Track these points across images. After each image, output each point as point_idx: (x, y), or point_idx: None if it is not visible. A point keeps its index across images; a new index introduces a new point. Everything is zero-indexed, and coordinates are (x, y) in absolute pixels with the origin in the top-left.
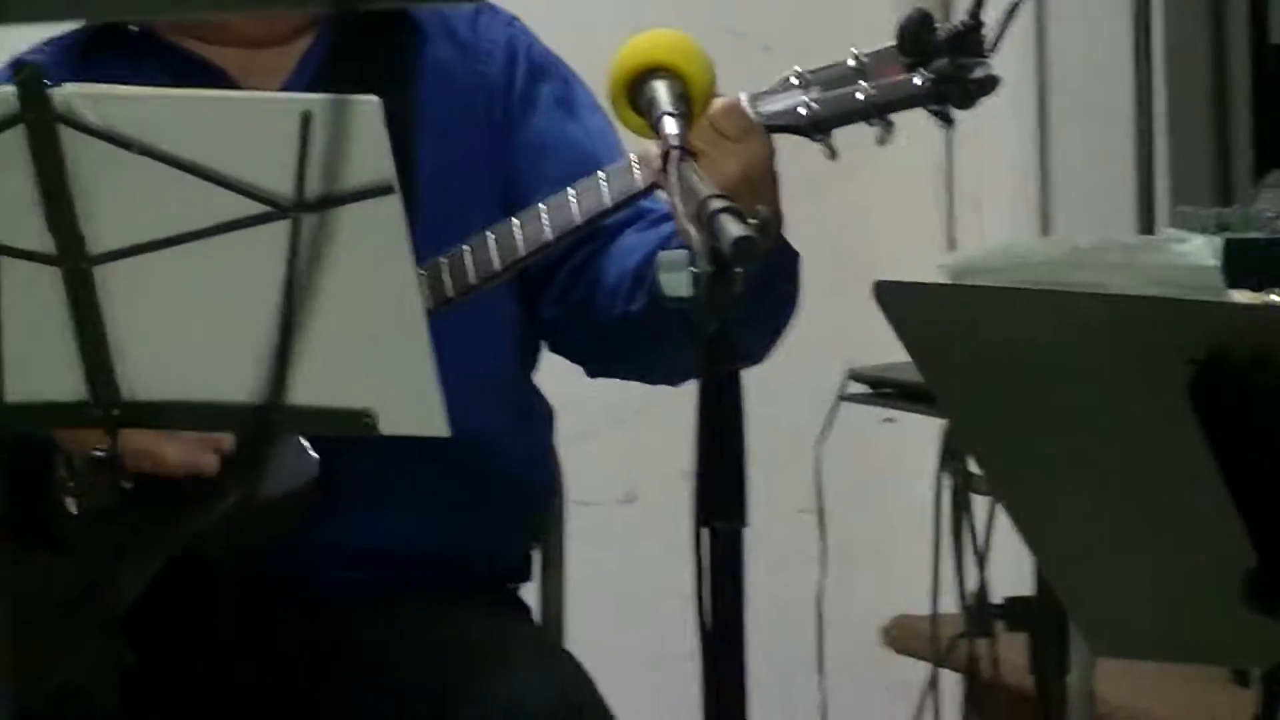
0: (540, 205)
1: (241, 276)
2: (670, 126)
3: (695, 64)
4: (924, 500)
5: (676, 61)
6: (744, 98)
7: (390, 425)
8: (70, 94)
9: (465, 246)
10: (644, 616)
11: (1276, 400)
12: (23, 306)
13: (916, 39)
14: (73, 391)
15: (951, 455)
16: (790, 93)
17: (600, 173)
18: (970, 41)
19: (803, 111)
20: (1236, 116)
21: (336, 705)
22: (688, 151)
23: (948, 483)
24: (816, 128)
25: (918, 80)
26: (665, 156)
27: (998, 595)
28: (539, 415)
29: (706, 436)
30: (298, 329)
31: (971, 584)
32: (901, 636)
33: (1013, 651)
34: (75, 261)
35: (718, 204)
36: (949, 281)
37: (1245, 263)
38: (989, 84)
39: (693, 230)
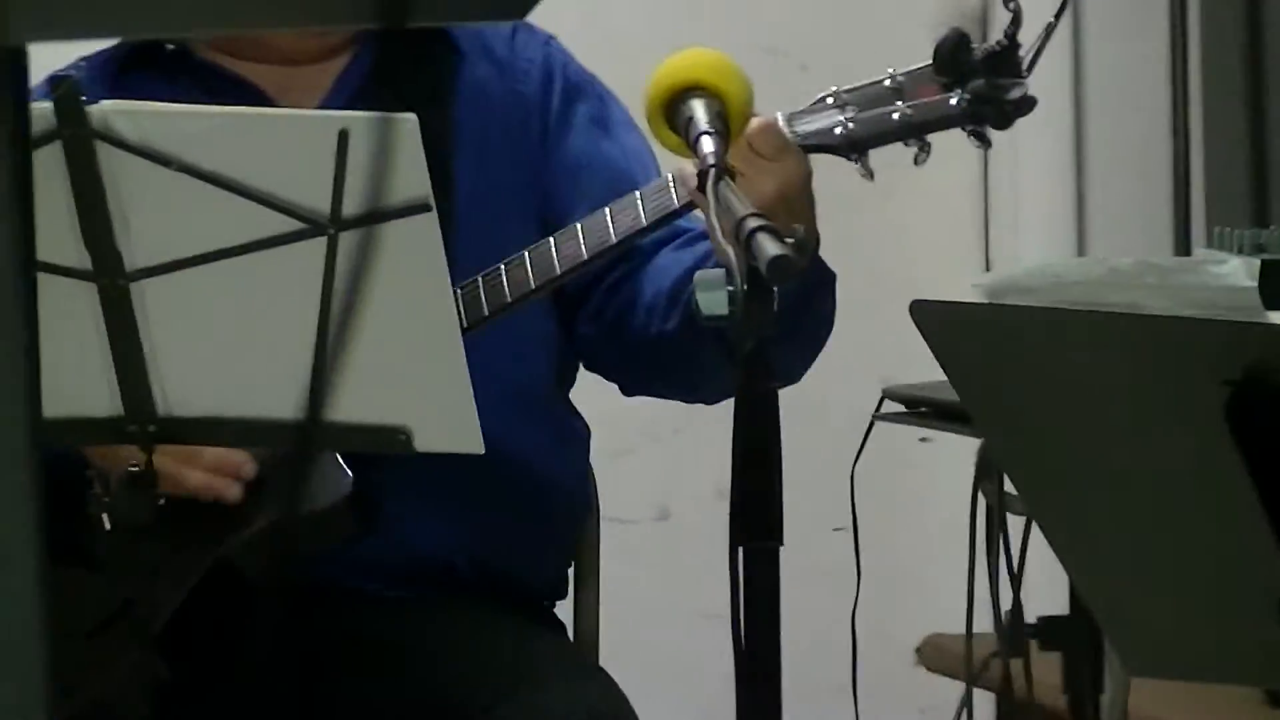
0: (577, 224)
1: (277, 294)
2: (708, 145)
3: (733, 83)
4: (959, 520)
5: (715, 80)
6: (781, 117)
7: (426, 443)
8: (107, 110)
9: (502, 265)
10: (678, 635)
11: None
12: (59, 323)
13: (953, 59)
14: (108, 408)
15: (987, 475)
16: (827, 112)
17: (637, 192)
18: (1007, 62)
19: (839, 131)
20: (1273, 137)
21: (368, 718)
22: (725, 170)
23: (983, 502)
24: (853, 147)
25: (954, 101)
26: (702, 175)
27: (1032, 615)
28: (575, 433)
29: (742, 455)
30: (335, 347)
31: (1006, 603)
32: (935, 656)
33: (1047, 671)
34: (112, 278)
35: (755, 223)
36: (985, 301)
37: None
38: (1026, 104)
39: (730, 249)
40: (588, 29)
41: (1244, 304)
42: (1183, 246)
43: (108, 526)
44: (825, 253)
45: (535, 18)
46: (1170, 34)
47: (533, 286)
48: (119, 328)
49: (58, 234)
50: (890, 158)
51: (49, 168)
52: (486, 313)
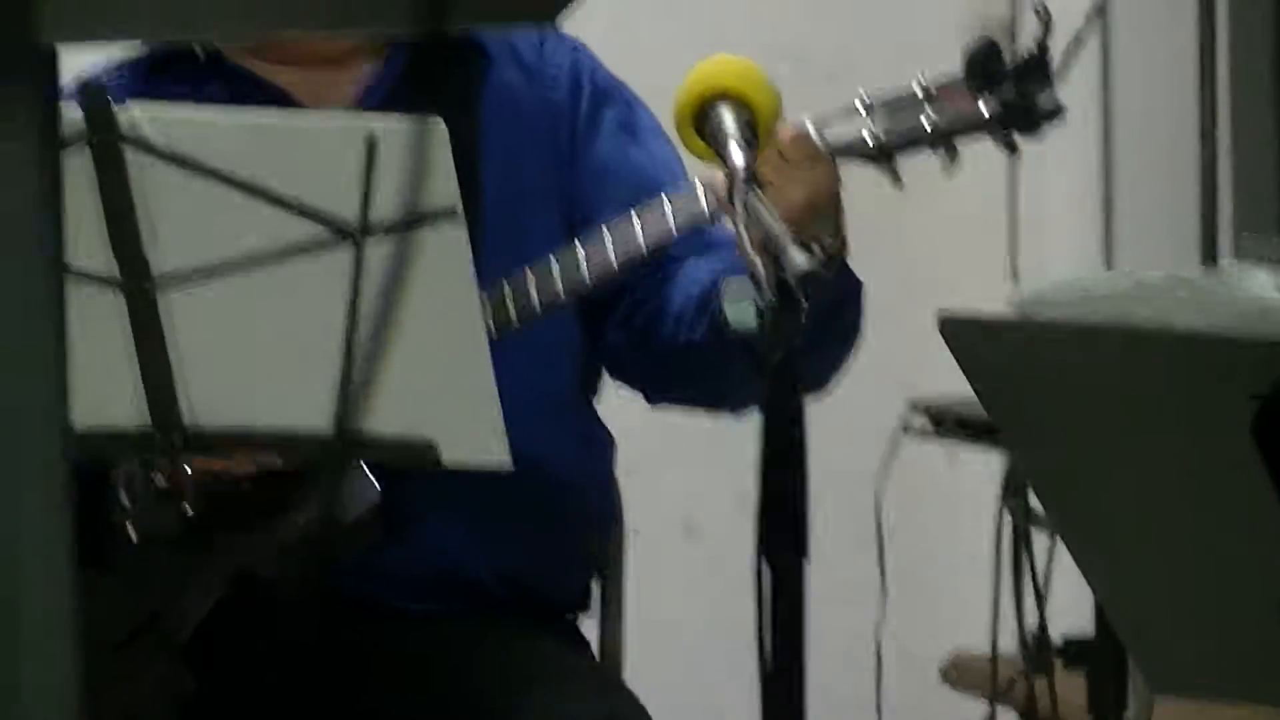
0: (605, 231)
1: (305, 302)
2: (736, 154)
3: (762, 91)
4: (984, 536)
5: (743, 88)
6: (810, 125)
7: (452, 455)
8: (136, 115)
9: (529, 271)
10: (702, 649)
11: None
12: (85, 331)
13: (984, 66)
14: (135, 418)
15: (1013, 491)
16: (856, 120)
17: (666, 199)
18: (1037, 69)
19: (868, 138)
20: None
21: None
22: (754, 179)
23: (1008, 519)
24: (882, 154)
25: (984, 108)
26: (731, 184)
27: (1057, 633)
28: (599, 443)
29: (769, 468)
30: (365, 357)
31: (1031, 622)
32: (960, 674)
33: (1071, 690)
34: (139, 285)
35: (783, 234)
36: (1013, 315)
37: None
38: (1055, 112)
39: (758, 260)
40: (616, 36)
41: (1274, 318)
42: (1210, 254)
43: (134, 537)
44: (850, 261)
45: (564, 25)
46: (1199, 42)
47: (561, 295)
48: (146, 336)
49: (85, 240)
50: (916, 166)
51: (77, 173)
52: (514, 321)
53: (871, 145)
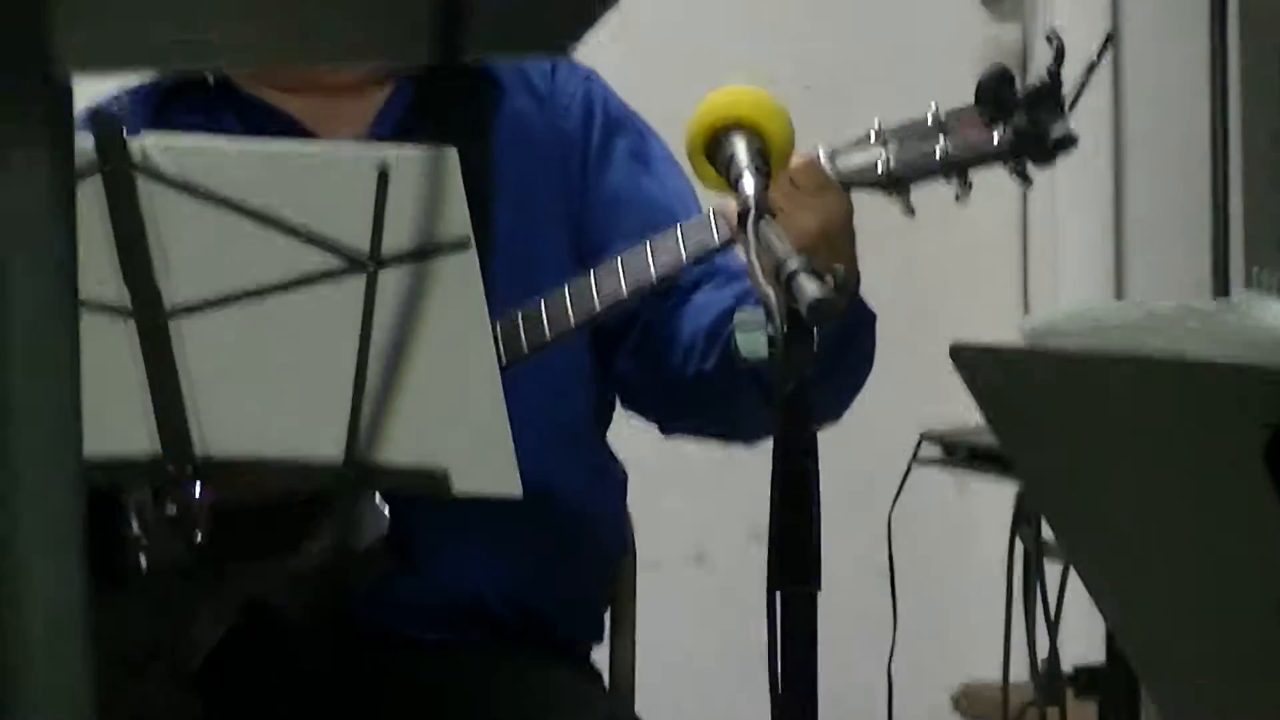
0: (617, 260)
1: (317, 331)
2: (749, 184)
3: (775, 121)
4: (996, 565)
5: (756, 118)
6: (822, 153)
7: (463, 484)
8: (148, 144)
9: (541, 300)
10: (713, 679)
11: None
12: (97, 360)
13: (996, 95)
14: (146, 447)
15: (1025, 520)
16: (869, 148)
17: (677, 228)
18: (1049, 99)
19: (881, 167)
20: None
21: None
22: (766, 209)
23: (1020, 548)
24: (894, 184)
25: (997, 137)
26: (743, 214)
27: (1069, 663)
28: (611, 474)
29: (781, 498)
30: (378, 387)
31: (1043, 651)
32: (971, 703)
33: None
34: (150, 315)
35: (796, 264)
36: (1025, 345)
37: None
38: (1068, 141)
39: (770, 289)
40: (628, 65)
41: None
42: (1221, 286)
43: (144, 566)
44: (862, 290)
45: (577, 53)
46: (1210, 73)
47: (572, 324)
48: (157, 365)
49: (96, 269)
50: (929, 195)
51: (89, 202)
52: (525, 350)
53: (884, 174)
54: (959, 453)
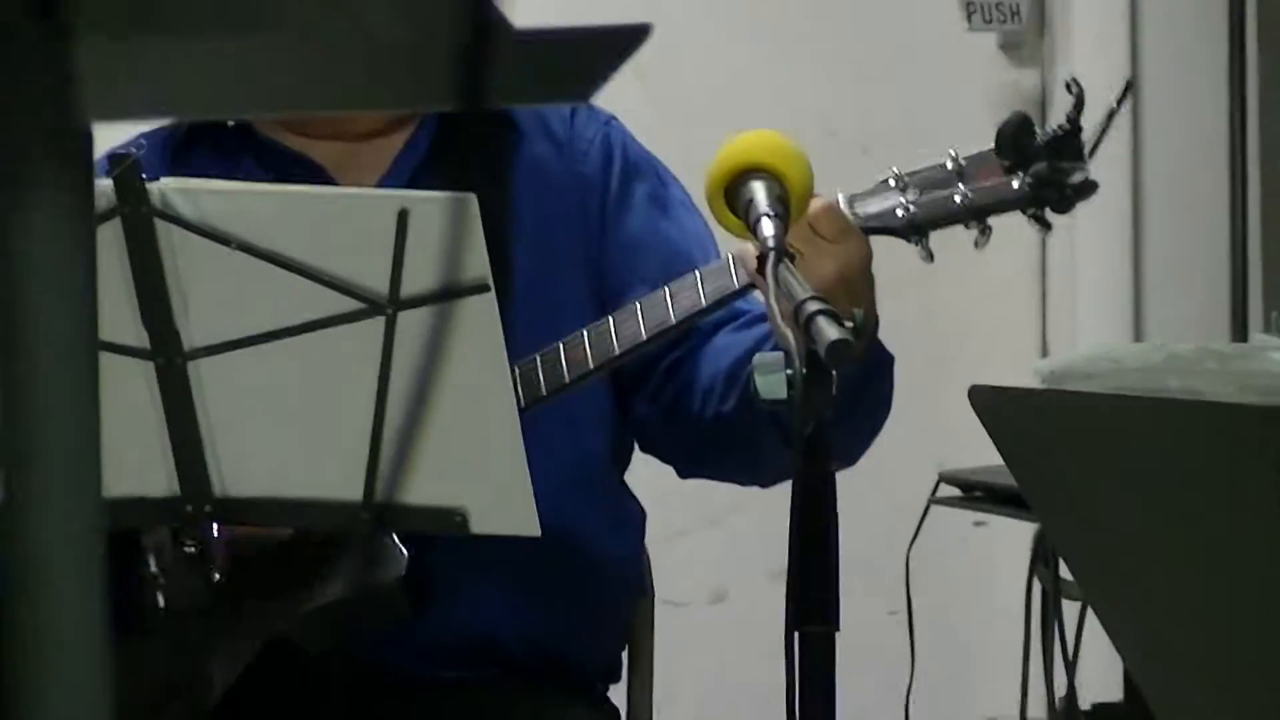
0: (636, 304)
1: (335, 373)
2: (768, 228)
3: (794, 166)
4: (1014, 604)
5: (775, 163)
6: (842, 198)
7: (482, 524)
8: (166, 188)
9: (560, 344)
10: (731, 718)
11: None
12: (116, 401)
13: (1016, 142)
14: (165, 487)
15: (1043, 560)
16: (888, 194)
17: (697, 272)
18: (1069, 146)
19: (900, 213)
20: None
21: None
22: (785, 253)
23: (1038, 587)
24: (914, 230)
25: (1016, 184)
26: (762, 258)
27: (1086, 701)
28: (630, 515)
29: (800, 539)
30: (398, 429)
31: (1060, 689)
32: None
33: None
34: (169, 357)
35: (815, 306)
36: (1044, 386)
37: None
38: (1087, 189)
39: (789, 332)
40: (648, 109)
41: None
42: (1240, 332)
43: (162, 605)
44: (881, 333)
45: (596, 98)
46: (1229, 120)
47: (591, 367)
48: (176, 407)
49: (116, 312)
50: (947, 239)
51: (108, 245)
52: (544, 393)
53: (904, 221)
54: (977, 493)
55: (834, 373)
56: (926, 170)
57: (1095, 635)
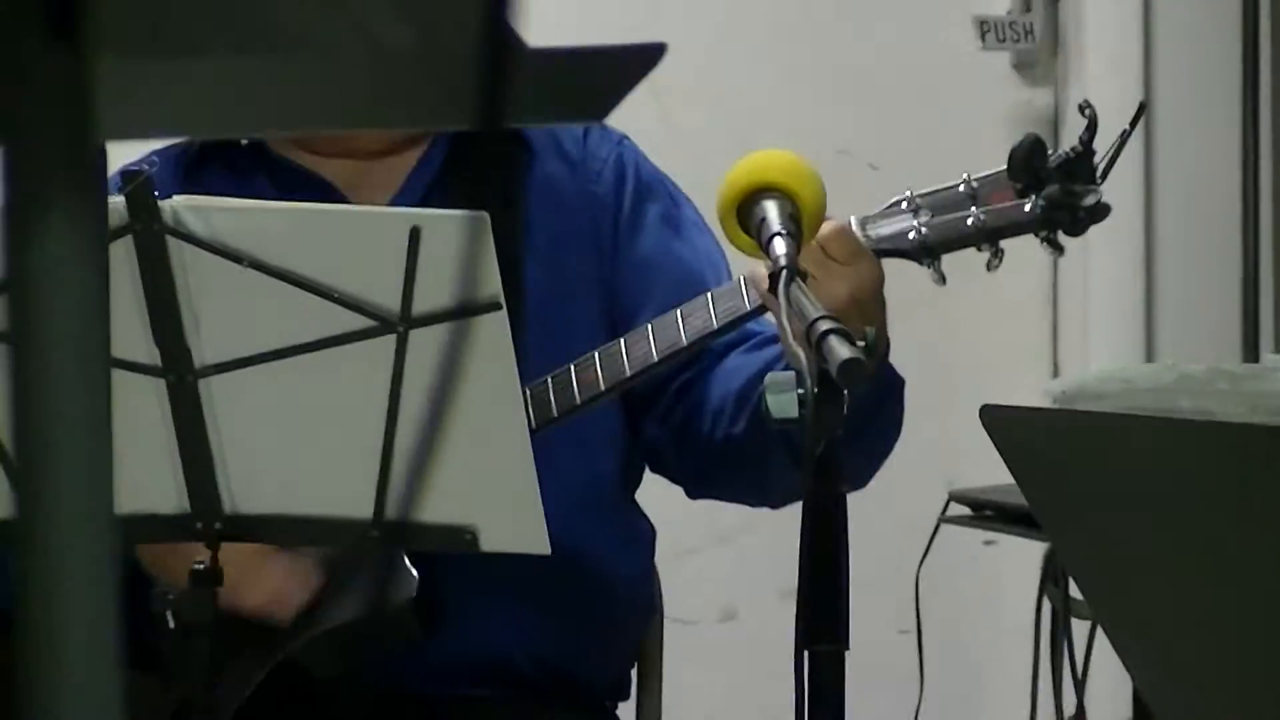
0: (647, 326)
1: (346, 391)
2: (780, 247)
3: (807, 185)
4: (1024, 623)
5: (788, 182)
6: (854, 221)
7: (491, 543)
8: (178, 205)
9: (571, 365)
10: None
11: None
12: (126, 418)
13: (1028, 165)
14: (175, 504)
15: (1052, 579)
16: (900, 217)
17: (709, 294)
18: (1082, 168)
19: (913, 236)
20: None
21: None
22: (797, 272)
23: (1048, 606)
24: (926, 252)
25: (1029, 207)
26: (774, 277)
27: None
28: (640, 535)
29: (810, 558)
30: (411, 448)
31: (1069, 708)
32: None
33: None
34: (180, 374)
35: (826, 325)
36: (1055, 406)
37: None
38: (1100, 212)
39: (800, 351)
40: (661, 129)
41: None
42: (1251, 353)
43: (171, 624)
44: (892, 354)
45: (609, 117)
46: (1242, 142)
47: (602, 389)
48: (187, 424)
49: (127, 329)
50: (960, 260)
51: (120, 262)
52: (555, 413)
53: (916, 243)
54: (987, 512)
55: (845, 392)
56: (939, 192)
57: (1105, 654)
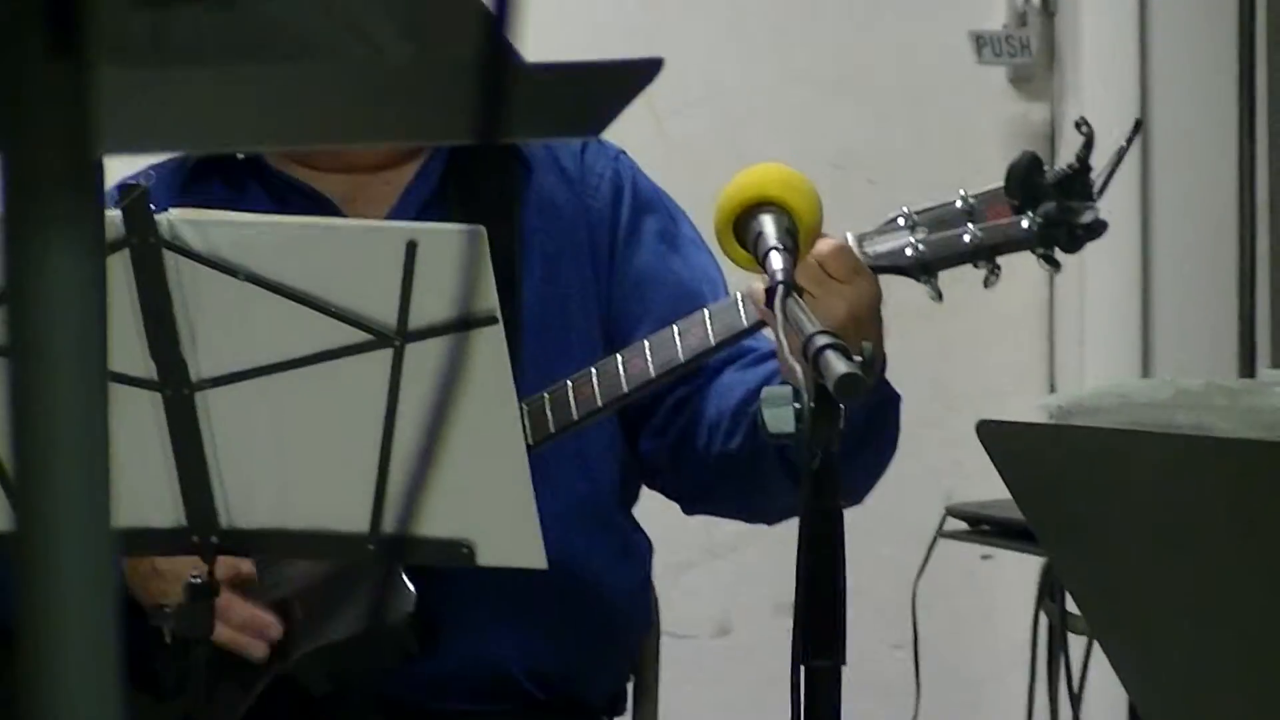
0: (644, 342)
1: (343, 405)
2: (777, 261)
3: (804, 199)
4: (1020, 638)
5: (785, 196)
6: (851, 238)
7: (488, 557)
8: (175, 219)
9: (568, 381)
10: None
11: None
12: (122, 431)
13: (1025, 181)
14: (171, 518)
15: (1049, 594)
16: (898, 233)
17: (706, 310)
18: (1078, 185)
19: (910, 253)
20: None
21: None
22: (794, 287)
23: (1044, 621)
24: (923, 269)
25: (1025, 224)
26: (771, 291)
27: None
28: (637, 549)
29: (807, 574)
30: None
31: None
32: None
33: None
34: (177, 388)
35: (823, 340)
36: (1052, 421)
37: None
38: (1097, 228)
39: (797, 366)
40: (658, 144)
41: None
42: (1248, 368)
43: (168, 639)
44: (890, 369)
45: (606, 132)
46: (1238, 157)
47: (599, 405)
48: (183, 437)
49: (123, 342)
50: (957, 275)
51: (116, 275)
52: (553, 429)
53: (913, 260)
54: (984, 527)
55: (842, 407)
56: (936, 208)
57: (1101, 670)
